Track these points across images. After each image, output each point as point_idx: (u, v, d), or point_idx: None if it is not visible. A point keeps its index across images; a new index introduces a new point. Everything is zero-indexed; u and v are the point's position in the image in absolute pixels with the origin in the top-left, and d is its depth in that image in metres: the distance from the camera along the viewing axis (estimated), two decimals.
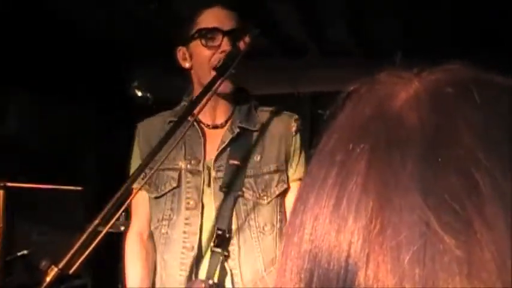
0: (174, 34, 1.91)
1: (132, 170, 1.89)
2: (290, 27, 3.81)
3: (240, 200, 1.77)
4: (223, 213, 1.75)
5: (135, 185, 1.80)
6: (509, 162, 0.34)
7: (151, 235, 1.87)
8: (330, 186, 0.38)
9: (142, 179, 1.80)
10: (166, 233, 1.79)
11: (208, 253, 1.76)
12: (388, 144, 0.37)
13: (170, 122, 1.83)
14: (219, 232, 1.73)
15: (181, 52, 1.85)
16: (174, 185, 1.80)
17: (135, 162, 1.89)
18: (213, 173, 1.79)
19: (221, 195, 1.76)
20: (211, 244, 1.74)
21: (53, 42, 3.55)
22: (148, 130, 1.88)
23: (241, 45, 1.70)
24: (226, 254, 1.74)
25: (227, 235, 1.74)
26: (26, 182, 2.56)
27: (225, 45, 1.72)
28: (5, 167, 2.97)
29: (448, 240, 0.32)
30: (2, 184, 2.42)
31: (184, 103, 1.90)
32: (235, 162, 1.78)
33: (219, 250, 1.73)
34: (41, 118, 3.78)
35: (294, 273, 0.39)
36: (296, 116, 1.89)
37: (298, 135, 1.86)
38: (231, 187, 1.77)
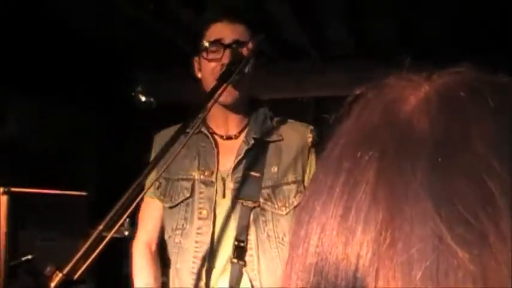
0: (192, 46, 1.95)
1: (147, 181, 1.90)
2: (291, 31, 3.80)
3: (259, 211, 1.78)
4: (242, 225, 1.76)
5: (150, 195, 1.87)
6: None
7: (158, 246, 1.90)
8: (337, 195, 0.36)
9: (157, 188, 1.86)
10: (180, 242, 1.81)
11: (221, 263, 1.77)
12: (397, 151, 0.35)
13: (187, 132, 1.84)
14: (237, 243, 1.75)
15: (196, 63, 1.88)
16: (187, 195, 1.81)
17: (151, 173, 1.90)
18: (230, 185, 1.80)
19: (239, 206, 1.77)
20: (231, 255, 1.75)
21: (53, 43, 3.54)
22: (163, 140, 1.88)
23: (245, 51, 1.71)
24: (243, 264, 1.75)
25: (244, 245, 1.75)
26: (26, 185, 2.55)
27: (226, 57, 1.73)
28: (5, 170, 2.97)
29: (461, 255, 0.31)
30: (6, 189, 2.42)
31: (200, 114, 1.91)
32: (252, 173, 1.79)
33: (239, 261, 1.75)
34: (41, 120, 3.78)
35: None
36: (312, 127, 1.89)
37: (314, 148, 1.86)
38: (248, 198, 1.78)
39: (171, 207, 1.84)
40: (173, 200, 1.84)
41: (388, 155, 0.36)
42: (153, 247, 1.90)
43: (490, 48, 3.45)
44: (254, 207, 1.78)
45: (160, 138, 1.92)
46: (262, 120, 1.88)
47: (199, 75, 1.87)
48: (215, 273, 1.78)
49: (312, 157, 1.86)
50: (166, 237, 1.87)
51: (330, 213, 0.36)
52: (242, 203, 1.77)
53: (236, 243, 1.75)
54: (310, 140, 1.86)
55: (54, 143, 3.85)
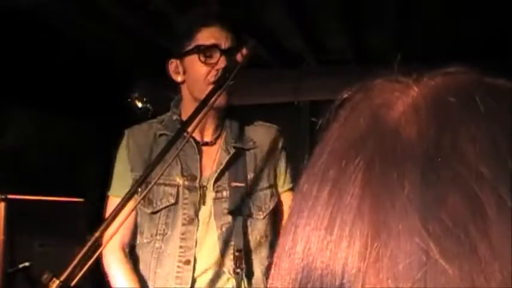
0: (168, 47, 1.93)
1: (117, 176, 1.89)
2: (288, 36, 3.81)
3: (240, 216, 1.82)
4: (237, 235, 1.79)
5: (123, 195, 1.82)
6: None
7: (130, 249, 1.87)
8: (322, 206, 0.35)
9: (138, 194, 1.81)
10: (160, 247, 1.80)
11: (206, 268, 1.80)
12: (384, 162, 0.34)
13: (161, 135, 1.85)
14: (238, 254, 1.78)
15: (173, 65, 1.86)
16: (172, 201, 1.81)
17: (122, 169, 1.88)
18: (212, 193, 1.82)
19: (225, 216, 1.80)
20: (232, 265, 1.78)
21: (51, 53, 3.55)
22: (138, 139, 1.89)
23: (239, 57, 1.71)
24: (242, 272, 1.78)
25: (240, 254, 1.79)
26: (27, 194, 2.56)
27: (222, 62, 1.74)
28: (5, 179, 2.97)
29: (450, 271, 0.29)
30: (3, 196, 2.42)
31: (175, 116, 1.90)
32: (237, 184, 1.83)
33: (241, 270, 1.78)
34: (40, 130, 3.78)
35: None
36: (279, 128, 1.95)
37: (284, 150, 1.94)
38: (237, 208, 1.81)
39: (152, 213, 1.82)
40: (154, 205, 1.81)
41: (374, 165, 0.34)
42: (126, 249, 1.87)
43: (490, 54, 3.45)
44: (245, 216, 1.82)
45: (133, 134, 1.90)
46: (238, 128, 1.90)
47: (179, 78, 1.85)
48: (202, 277, 1.80)
49: (283, 160, 1.93)
50: (141, 241, 1.84)
51: (314, 225, 0.35)
52: (233, 214, 1.80)
53: (237, 253, 1.78)
54: (280, 144, 1.93)
55: (53, 150, 3.85)
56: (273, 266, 0.39)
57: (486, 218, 0.30)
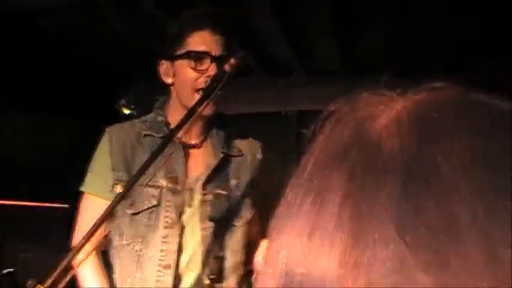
0: (159, 48, 1.92)
1: (95, 174, 1.85)
2: (276, 45, 3.81)
3: (220, 222, 1.82)
4: (216, 241, 1.79)
5: (103, 194, 1.78)
6: (494, 193, 0.32)
7: (102, 252, 1.85)
8: (305, 214, 0.36)
9: (116, 190, 1.77)
10: (140, 250, 1.77)
11: (188, 273, 1.79)
12: (365, 173, 0.35)
13: (146, 135, 1.83)
14: (214, 261, 1.77)
15: (164, 66, 1.85)
16: (154, 202, 1.78)
17: (101, 167, 1.84)
18: (198, 196, 1.81)
19: (208, 220, 1.80)
20: (207, 272, 1.77)
21: (52, 56, 3.54)
22: (122, 139, 1.85)
23: (227, 67, 1.69)
24: (219, 279, 1.78)
25: (221, 263, 1.79)
26: (27, 195, 2.53)
27: (212, 70, 1.73)
28: (4, 181, 2.94)
29: (424, 280, 0.30)
30: None
31: (161, 118, 1.88)
32: (221, 189, 1.84)
33: (213, 277, 1.78)
34: (40, 131, 3.76)
35: None
36: (261, 145, 2.00)
37: (262, 164, 1.98)
38: (219, 214, 1.81)
39: (133, 214, 1.78)
40: (137, 206, 1.78)
41: (356, 176, 0.35)
42: (99, 252, 1.84)
43: (490, 54, 3.45)
44: (228, 224, 1.83)
45: (116, 135, 1.86)
46: (225, 135, 1.91)
47: (169, 80, 1.84)
48: (183, 282, 1.79)
49: (261, 173, 1.96)
50: (121, 243, 1.80)
51: (297, 232, 0.36)
52: (215, 221, 1.80)
53: (213, 260, 1.77)
54: (259, 157, 1.97)
55: (53, 150, 3.82)
56: (258, 271, 0.40)
57: (460, 229, 0.31)
